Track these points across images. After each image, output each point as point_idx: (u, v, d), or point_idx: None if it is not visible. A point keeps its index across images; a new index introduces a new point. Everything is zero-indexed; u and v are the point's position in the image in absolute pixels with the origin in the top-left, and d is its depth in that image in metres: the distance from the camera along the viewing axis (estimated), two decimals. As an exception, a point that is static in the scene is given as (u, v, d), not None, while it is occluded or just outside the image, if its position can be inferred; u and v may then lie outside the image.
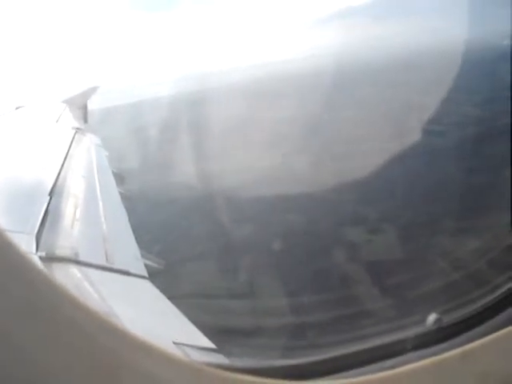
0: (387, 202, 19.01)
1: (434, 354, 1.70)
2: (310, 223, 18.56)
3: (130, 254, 5.16)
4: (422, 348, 1.82)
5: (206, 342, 3.21)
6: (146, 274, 4.74)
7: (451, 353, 1.67)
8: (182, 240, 18.63)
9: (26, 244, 3.93)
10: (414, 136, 24.39)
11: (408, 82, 44.79)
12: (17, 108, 13.56)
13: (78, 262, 4.06)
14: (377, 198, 19.81)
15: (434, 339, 1.86)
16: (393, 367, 1.66)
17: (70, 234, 4.77)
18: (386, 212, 18.25)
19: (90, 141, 10.61)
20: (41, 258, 3.79)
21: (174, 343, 2.74)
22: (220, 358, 2.84)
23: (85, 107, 15.02)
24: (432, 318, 1.92)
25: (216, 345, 3.12)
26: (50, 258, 3.91)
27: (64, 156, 7.93)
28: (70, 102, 14.92)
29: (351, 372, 1.72)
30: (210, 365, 1.51)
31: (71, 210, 5.51)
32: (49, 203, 5.30)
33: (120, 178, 9.01)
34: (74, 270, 3.86)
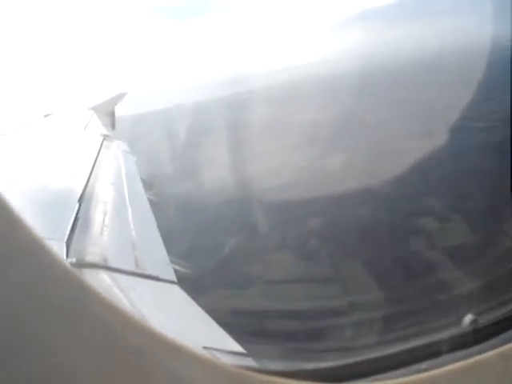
0: (446, 194, 19.49)
1: (470, 355, 1.66)
2: (378, 215, 19.24)
3: (159, 259, 5.18)
4: (458, 350, 1.78)
5: (236, 347, 3.19)
6: (174, 279, 4.75)
7: (489, 354, 1.63)
8: (256, 234, 19.47)
9: (56, 250, 3.95)
10: (460, 133, 24.51)
11: (438, 82, 44.53)
12: (45, 116, 13.71)
13: (107, 268, 4.07)
14: (435, 190, 20.28)
15: (470, 340, 1.82)
16: (428, 369, 1.63)
17: (100, 240, 4.80)
18: (447, 203, 18.81)
19: (118, 147, 10.68)
20: (71, 264, 3.82)
21: (204, 347, 2.72)
22: (250, 362, 2.82)
23: (112, 114, 15.13)
24: (468, 319, 1.88)
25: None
26: (80, 264, 3.93)
27: (93, 163, 7.99)
28: (97, 109, 15.05)
29: (386, 374, 1.69)
30: (242, 368, 1.50)
31: (100, 216, 5.55)
32: (78, 210, 5.34)
33: (148, 184, 9.05)
34: (104, 276, 3.87)
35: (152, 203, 7.46)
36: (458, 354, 1.74)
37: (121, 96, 17.57)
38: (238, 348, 3.16)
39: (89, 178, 6.87)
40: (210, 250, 18.35)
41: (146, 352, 1.20)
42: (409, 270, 14.81)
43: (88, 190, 6.30)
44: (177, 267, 5.34)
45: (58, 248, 4.07)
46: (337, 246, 17.45)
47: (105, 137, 10.93)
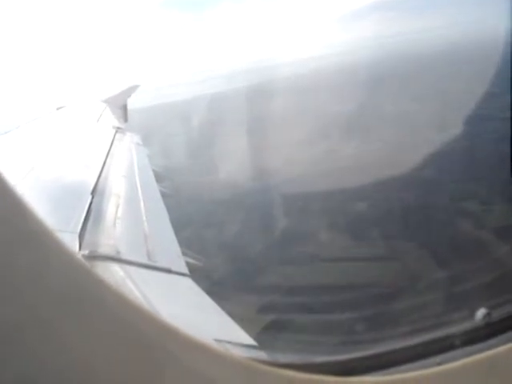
0: (481, 179, 19.83)
1: (484, 349, 1.65)
2: (421, 199, 19.73)
3: (171, 251, 5.18)
4: (471, 344, 1.77)
5: (247, 339, 3.20)
6: (187, 271, 4.75)
7: (502, 348, 1.62)
8: (306, 215, 20.00)
9: (69, 243, 3.96)
10: (485, 122, 24.62)
11: (458, 73, 44.34)
12: (58, 108, 13.77)
13: (120, 260, 4.08)
14: (470, 176, 20.63)
15: (483, 335, 1.81)
16: (441, 363, 1.62)
17: (112, 232, 4.81)
18: (488, 188, 19.20)
19: (130, 140, 10.70)
20: (84, 256, 3.83)
21: (216, 340, 2.73)
22: (260, 355, 2.82)
23: (125, 106, 15.15)
24: (481, 313, 1.86)
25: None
26: (93, 257, 3.94)
27: (105, 155, 8.01)
28: (110, 102, 15.08)
29: (398, 368, 1.68)
30: (253, 360, 1.50)
31: (113, 208, 5.56)
32: (91, 202, 5.36)
33: (161, 177, 9.07)
34: (117, 268, 3.88)
35: (164, 195, 7.47)
36: (472, 348, 1.73)
37: (133, 88, 17.60)
38: (250, 340, 3.16)
39: (101, 171, 6.89)
40: (260, 233, 18.97)
41: (159, 344, 1.20)
42: (461, 247, 15.31)
43: (101, 183, 6.31)
44: (189, 259, 5.36)
45: (71, 240, 4.08)
46: (387, 227, 18.09)
47: (117, 129, 10.95)
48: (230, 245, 17.99)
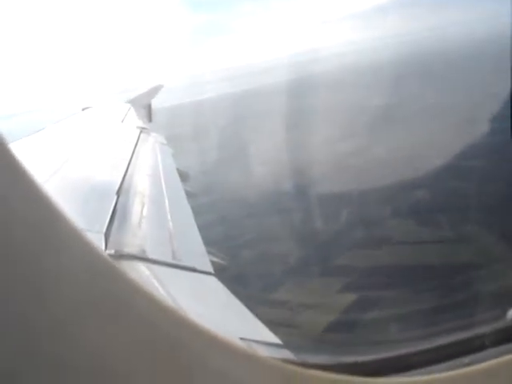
0: None
1: None
2: (476, 189, 20.05)
3: (195, 250, 5.19)
4: (502, 344, 1.73)
5: (273, 338, 3.19)
6: (211, 270, 4.76)
7: None
8: (368, 203, 20.49)
9: (95, 242, 3.98)
10: None
11: (487, 70, 44.04)
12: (83, 109, 13.89)
13: (145, 260, 4.10)
14: None
15: None
16: (470, 364, 1.59)
17: (138, 231, 4.84)
18: None
19: (154, 140, 10.76)
20: (109, 255, 3.85)
21: (241, 339, 2.72)
22: (286, 354, 2.81)
23: (149, 106, 15.22)
24: (512, 312, 1.83)
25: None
26: (119, 256, 3.96)
27: (130, 155, 8.06)
28: (134, 102, 15.16)
29: (427, 369, 1.65)
30: (278, 360, 1.48)
31: (138, 208, 5.59)
32: (116, 202, 5.39)
33: (185, 176, 9.11)
34: (142, 267, 3.90)
35: (189, 194, 7.50)
36: (502, 348, 1.70)
37: (158, 88, 17.68)
38: (275, 339, 3.15)
39: (126, 171, 6.93)
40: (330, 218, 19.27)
41: (186, 344, 1.19)
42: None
43: (126, 182, 6.35)
44: (214, 258, 5.37)
45: (97, 240, 4.11)
46: (450, 213, 18.32)
47: (142, 129, 11.02)
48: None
